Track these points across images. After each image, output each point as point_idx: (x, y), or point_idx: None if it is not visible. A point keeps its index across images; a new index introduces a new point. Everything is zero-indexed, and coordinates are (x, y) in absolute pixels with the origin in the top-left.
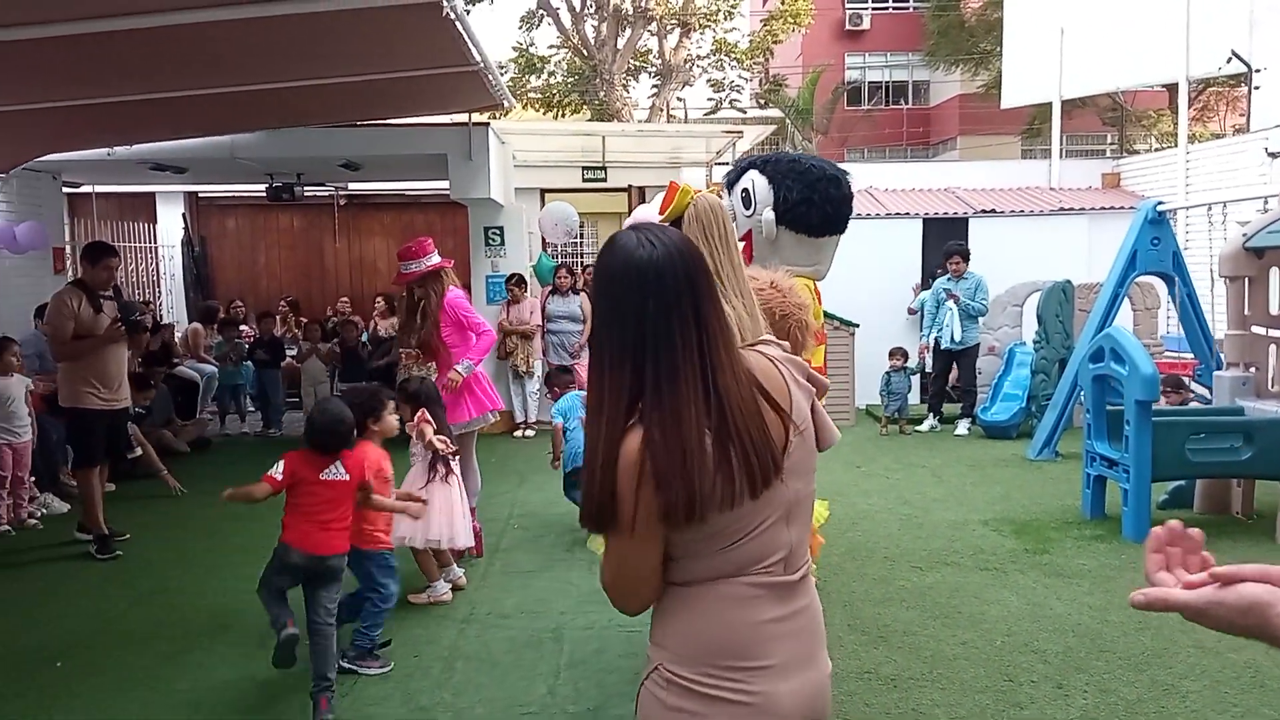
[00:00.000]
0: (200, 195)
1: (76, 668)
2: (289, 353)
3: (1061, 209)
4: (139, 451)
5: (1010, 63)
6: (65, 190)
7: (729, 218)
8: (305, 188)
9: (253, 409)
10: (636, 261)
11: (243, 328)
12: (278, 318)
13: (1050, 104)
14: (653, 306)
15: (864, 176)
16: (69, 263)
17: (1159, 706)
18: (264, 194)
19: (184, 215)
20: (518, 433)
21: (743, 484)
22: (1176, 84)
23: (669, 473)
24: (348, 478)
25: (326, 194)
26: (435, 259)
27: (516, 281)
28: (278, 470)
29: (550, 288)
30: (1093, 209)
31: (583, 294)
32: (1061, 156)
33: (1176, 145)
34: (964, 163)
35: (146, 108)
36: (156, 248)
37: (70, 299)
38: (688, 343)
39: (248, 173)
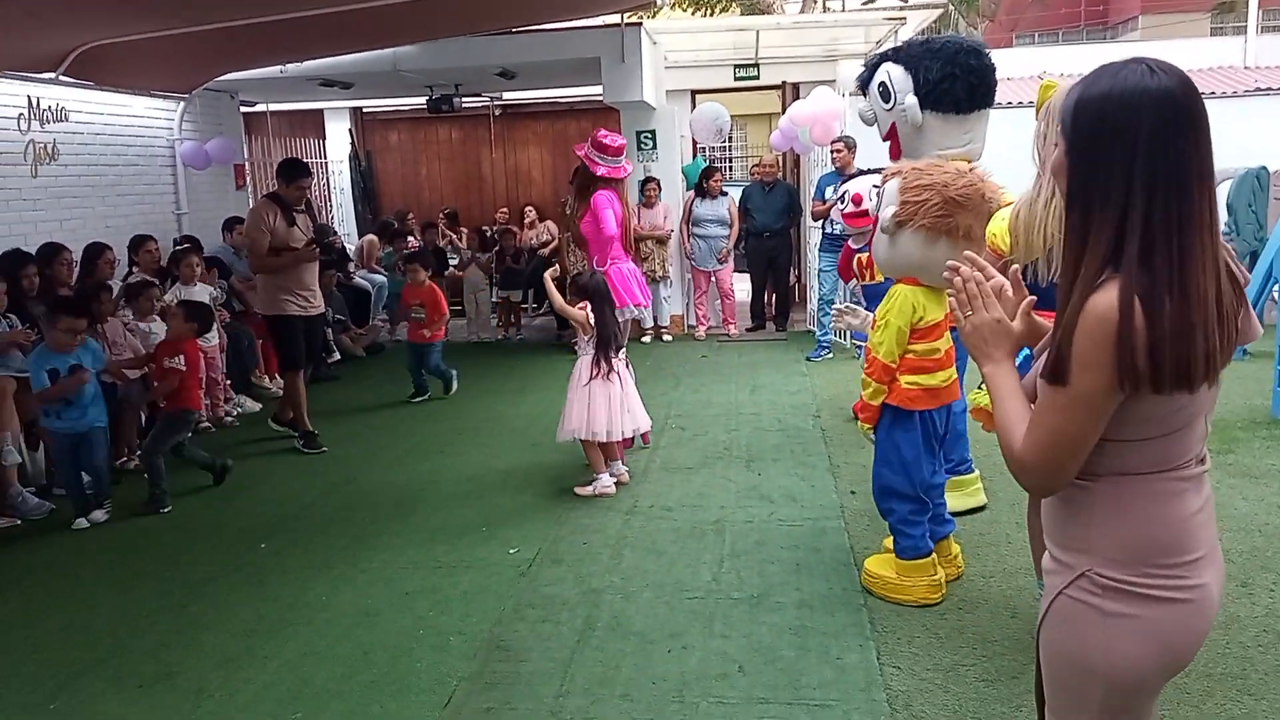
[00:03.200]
0: (365, 111)
1: (281, 548)
2: (451, 261)
3: (1258, 89)
4: (338, 356)
5: None
6: (242, 109)
7: None
8: (463, 99)
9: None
10: (1151, 89)
11: (409, 239)
12: (439, 228)
13: None
14: (1164, 141)
15: (1037, 62)
16: (249, 179)
17: None
18: (424, 106)
19: (350, 131)
20: (645, 338)
21: (1218, 361)
22: None
23: (1162, 328)
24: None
25: (483, 105)
26: (610, 163)
27: (650, 185)
28: None
29: (696, 190)
30: None
31: (729, 196)
32: (1258, 32)
33: None
34: (1148, 43)
35: (314, 24)
36: (326, 163)
37: (266, 213)
38: (1204, 190)
39: (408, 86)
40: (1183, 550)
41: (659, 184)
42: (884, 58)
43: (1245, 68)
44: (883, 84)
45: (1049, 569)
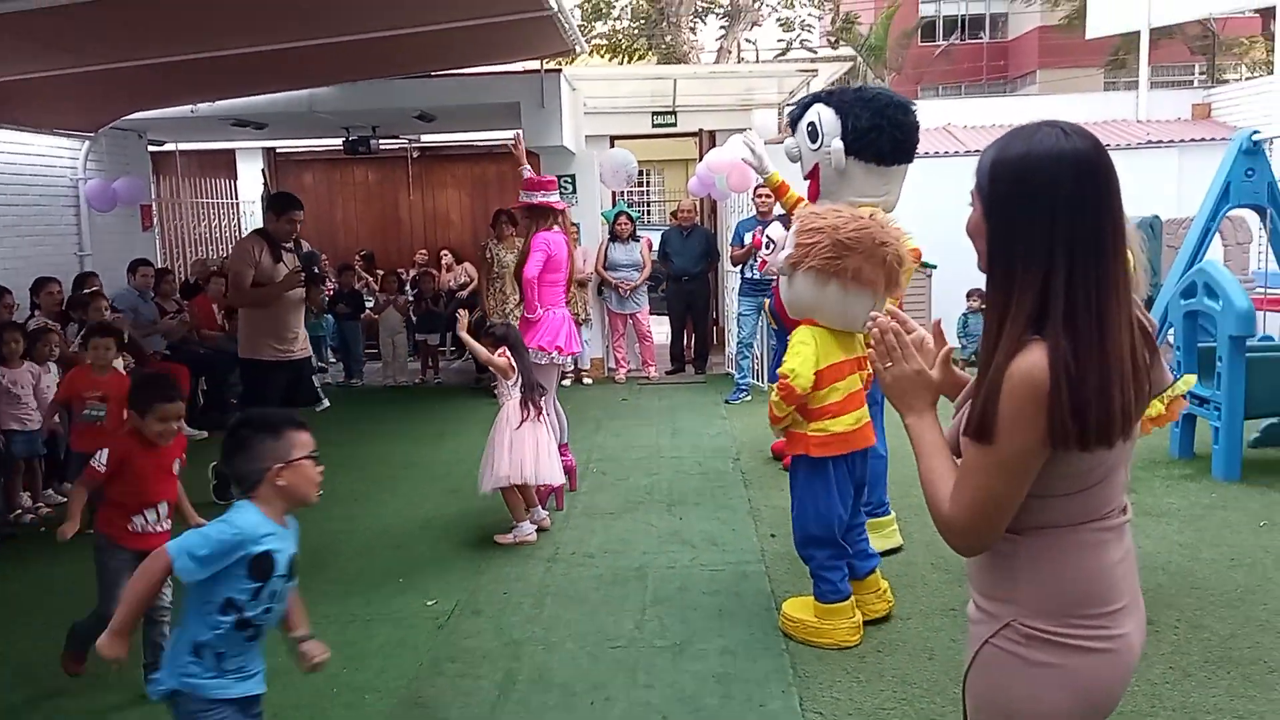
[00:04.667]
0: (278, 151)
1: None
2: (367, 304)
3: (1150, 141)
4: (326, 404)
5: None
6: (150, 149)
7: None
8: (380, 140)
9: (334, 360)
10: (1067, 151)
11: (325, 283)
12: (355, 270)
13: (1136, 33)
14: (1082, 202)
15: (941, 114)
16: (156, 220)
17: (1253, 642)
18: (340, 148)
19: (263, 171)
20: (566, 381)
21: (1133, 415)
22: (1272, 7)
23: (1088, 390)
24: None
25: (400, 147)
26: (540, 196)
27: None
28: None
29: (610, 235)
30: (1183, 141)
31: (642, 240)
32: (1149, 88)
33: (1270, 73)
34: (1045, 97)
35: (227, 64)
36: (237, 204)
37: (253, 247)
38: (1117, 250)
39: (325, 127)
40: (1105, 601)
41: (578, 228)
42: (816, 98)
43: (1137, 121)
44: (812, 124)
45: (974, 618)
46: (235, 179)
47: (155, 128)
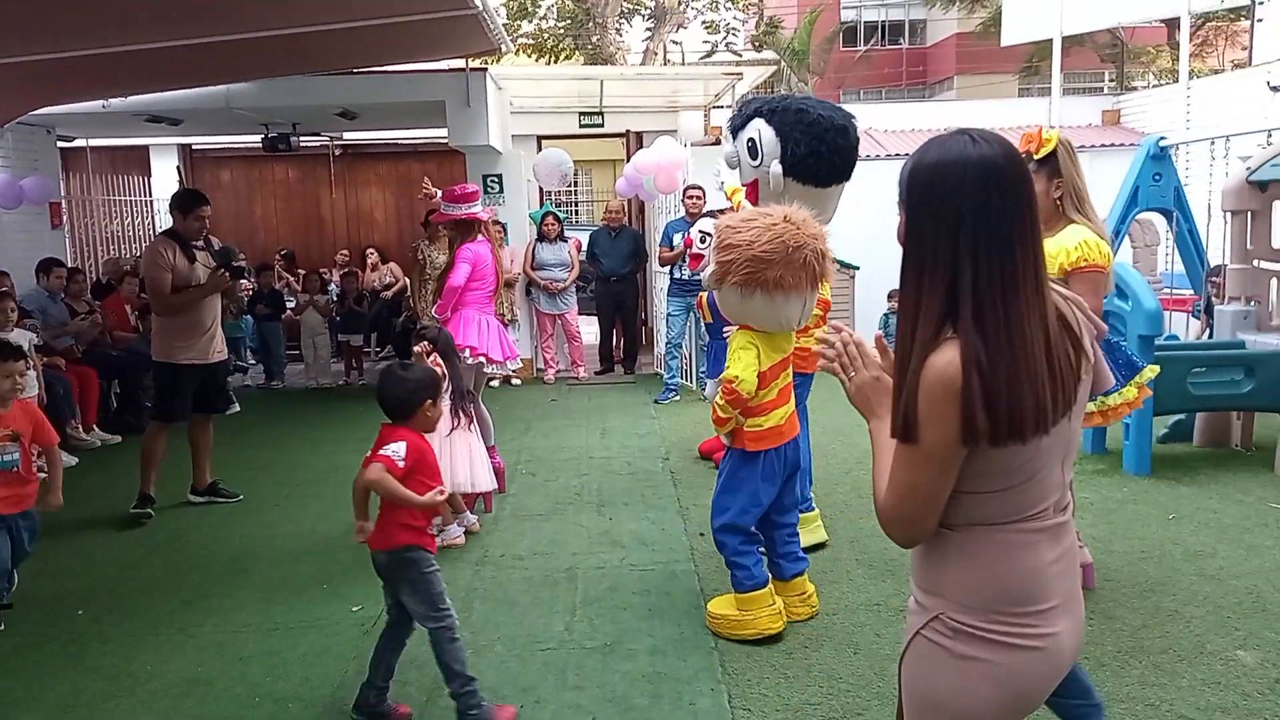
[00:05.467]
0: (194, 148)
1: (100, 614)
2: (288, 305)
3: None
4: (237, 407)
5: None
6: (59, 144)
7: None
8: (301, 138)
9: (254, 361)
10: (973, 157)
11: (242, 281)
12: (275, 270)
13: (1049, 41)
14: (987, 206)
15: (863, 118)
16: (65, 218)
17: (1163, 632)
18: (259, 145)
19: (178, 168)
20: (494, 383)
21: (1052, 412)
22: (1177, 19)
23: (998, 385)
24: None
25: (322, 144)
26: (467, 209)
27: (496, 229)
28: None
29: (537, 235)
30: (1093, 146)
31: (571, 240)
32: (1061, 94)
33: (1176, 81)
34: (962, 102)
35: (141, 58)
36: (151, 201)
37: (164, 250)
38: (1026, 250)
39: (243, 123)
40: (1033, 600)
41: (505, 228)
42: (759, 111)
43: (1050, 126)
44: (752, 140)
45: (911, 608)
46: (149, 176)
47: (65, 123)
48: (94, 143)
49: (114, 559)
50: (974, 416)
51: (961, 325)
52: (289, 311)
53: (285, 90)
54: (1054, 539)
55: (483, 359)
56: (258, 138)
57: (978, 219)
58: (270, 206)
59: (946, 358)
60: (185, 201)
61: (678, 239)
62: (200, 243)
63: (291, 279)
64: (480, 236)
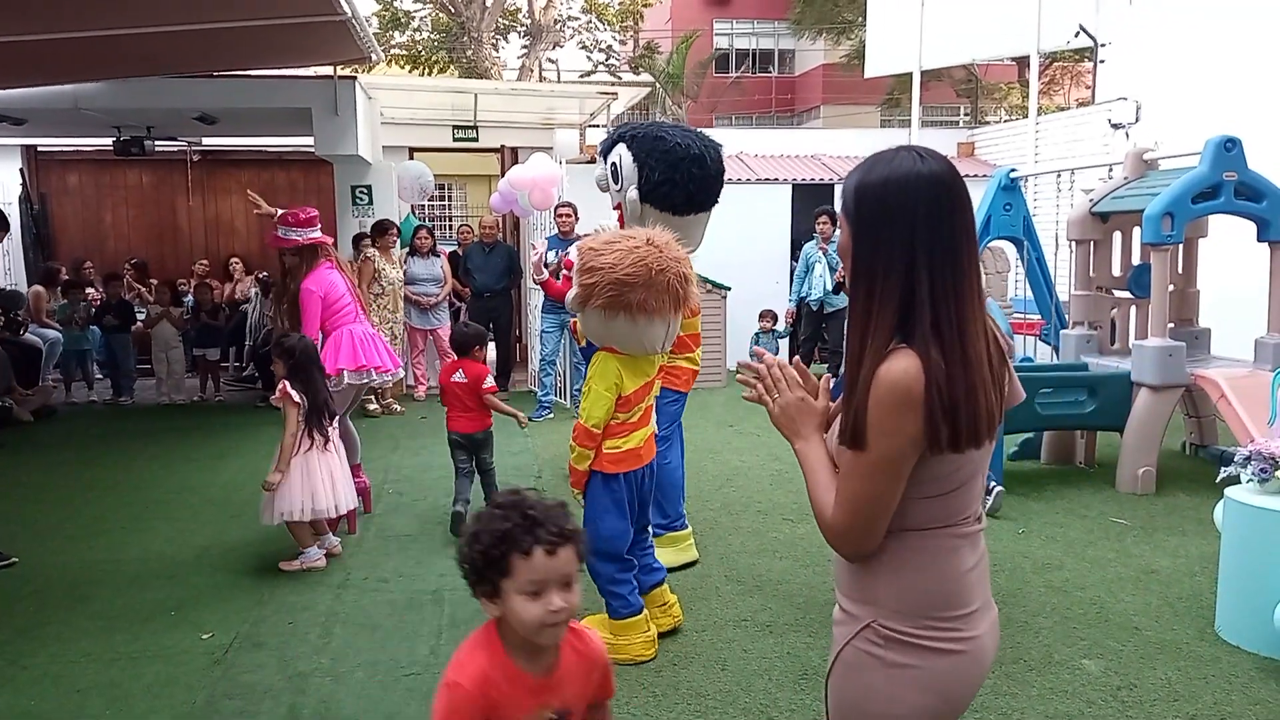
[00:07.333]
0: (39, 149)
1: None
2: (139, 316)
3: None
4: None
5: (873, 32)
6: None
7: None
8: (156, 142)
9: (101, 376)
10: (924, 173)
11: (89, 291)
12: (125, 280)
13: (909, 75)
14: (939, 220)
15: (734, 142)
16: None
17: (1014, 642)
18: (110, 148)
19: (21, 171)
20: (372, 405)
21: (996, 418)
22: (1027, 57)
23: (957, 393)
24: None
25: (179, 149)
26: (310, 233)
27: (364, 241)
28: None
29: (409, 249)
30: None
31: (443, 254)
32: (920, 126)
33: (1026, 116)
34: (829, 130)
35: None
36: None
37: None
38: (971, 263)
39: (93, 125)
40: (958, 604)
41: (399, 230)
42: (622, 136)
43: None
44: (614, 164)
45: (838, 619)
46: None
47: None
48: None
49: None
50: (936, 424)
51: (919, 336)
52: (139, 323)
53: (139, 92)
54: (973, 545)
55: (371, 371)
56: (109, 140)
57: (930, 230)
58: (121, 213)
59: (901, 366)
60: None
61: (552, 256)
62: None
63: (143, 289)
64: (325, 262)
